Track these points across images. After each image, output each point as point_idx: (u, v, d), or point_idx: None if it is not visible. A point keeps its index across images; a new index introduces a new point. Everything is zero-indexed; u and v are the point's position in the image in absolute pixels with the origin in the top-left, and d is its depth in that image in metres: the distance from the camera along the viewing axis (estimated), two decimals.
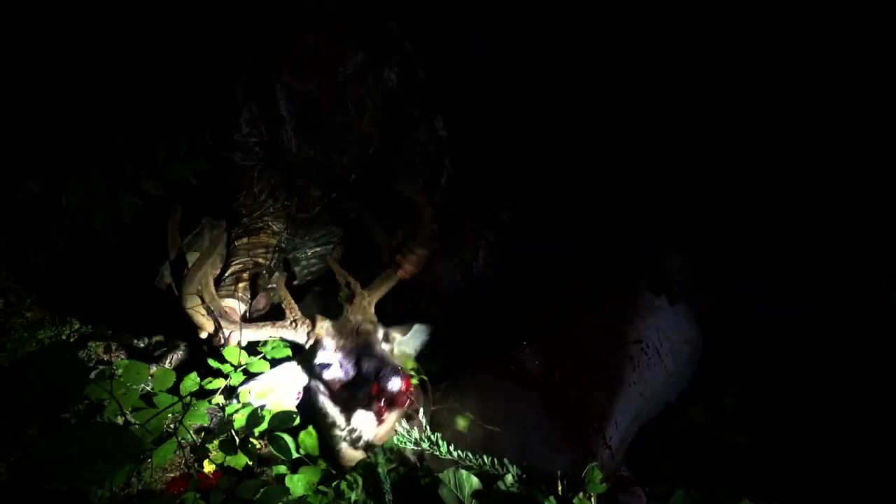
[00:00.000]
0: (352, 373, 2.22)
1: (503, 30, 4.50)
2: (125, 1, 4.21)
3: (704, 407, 2.59)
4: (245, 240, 3.00)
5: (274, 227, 3.07)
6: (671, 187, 3.99)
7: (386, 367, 2.14)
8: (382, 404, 2.08)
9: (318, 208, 3.32)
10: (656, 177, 4.10)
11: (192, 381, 2.28)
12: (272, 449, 2.13)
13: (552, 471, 2.00)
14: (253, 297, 2.92)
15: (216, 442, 2.20)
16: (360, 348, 2.25)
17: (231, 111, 2.98)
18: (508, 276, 3.44)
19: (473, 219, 3.36)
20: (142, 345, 3.05)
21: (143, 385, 2.22)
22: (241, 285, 2.83)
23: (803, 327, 3.01)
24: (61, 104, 3.97)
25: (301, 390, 2.40)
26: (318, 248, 3.34)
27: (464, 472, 1.90)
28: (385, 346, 2.33)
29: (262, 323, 2.40)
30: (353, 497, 2.06)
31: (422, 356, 2.56)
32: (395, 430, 2.24)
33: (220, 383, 2.31)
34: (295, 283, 3.34)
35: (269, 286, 3.04)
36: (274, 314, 2.51)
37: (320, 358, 2.27)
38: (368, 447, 2.29)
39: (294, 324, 2.37)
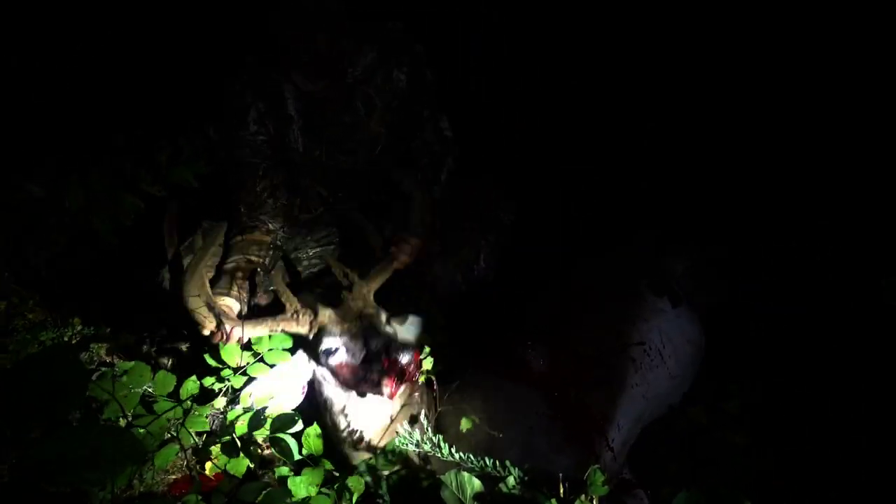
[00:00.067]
0: (359, 354, 2.22)
1: (503, 30, 4.50)
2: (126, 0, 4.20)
3: (706, 407, 2.59)
4: (239, 238, 3.00)
5: (270, 225, 3.06)
6: (671, 187, 4.00)
7: (395, 342, 2.18)
8: (393, 379, 2.10)
9: (321, 209, 3.32)
10: (656, 177, 4.10)
11: (192, 384, 2.27)
12: (274, 451, 2.13)
13: (557, 471, 2.00)
14: (251, 295, 2.92)
15: (218, 444, 2.20)
16: (365, 330, 2.26)
17: (239, 109, 2.98)
18: (509, 276, 3.44)
19: (474, 220, 3.36)
20: (143, 346, 3.04)
21: (145, 387, 2.21)
22: (236, 283, 2.83)
23: (803, 327, 3.01)
24: (61, 104, 3.96)
25: (305, 385, 2.40)
26: (319, 249, 3.34)
27: (465, 474, 1.89)
28: (389, 329, 2.34)
29: (262, 318, 2.39)
30: (355, 499, 2.06)
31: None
32: (403, 412, 2.27)
33: (220, 386, 2.31)
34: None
35: (266, 284, 3.04)
36: (272, 311, 2.50)
37: (326, 344, 2.27)
38: (371, 448, 2.30)
39: (295, 315, 2.37)
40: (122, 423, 2.14)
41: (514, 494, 1.92)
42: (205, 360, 2.41)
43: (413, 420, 2.34)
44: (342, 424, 2.36)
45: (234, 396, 2.33)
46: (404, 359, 2.12)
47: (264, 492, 2.02)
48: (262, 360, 2.40)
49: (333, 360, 2.26)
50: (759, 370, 2.85)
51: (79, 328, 2.70)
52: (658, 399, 2.66)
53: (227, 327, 2.36)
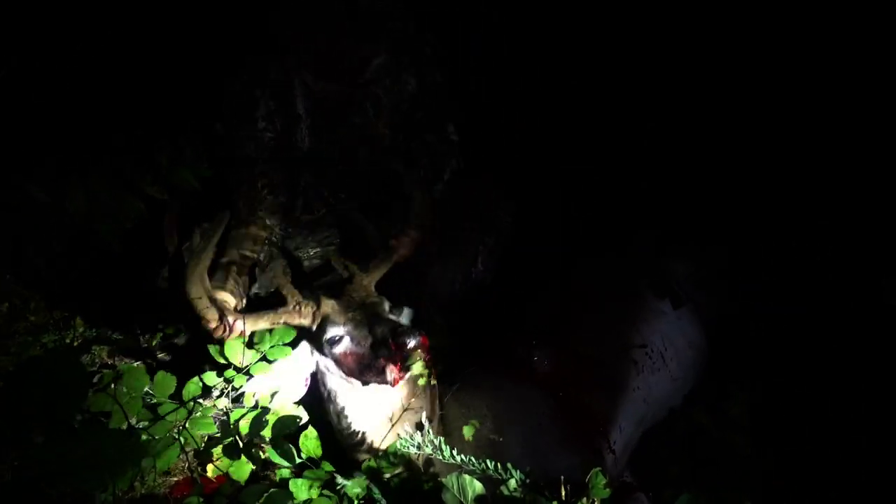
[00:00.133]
0: (364, 342, 2.20)
1: (503, 30, 4.49)
2: None
3: (706, 409, 2.59)
4: (236, 231, 2.99)
5: (267, 221, 3.05)
6: (671, 187, 4.00)
7: (400, 326, 2.15)
8: (399, 365, 2.08)
9: (323, 210, 3.31)
10: (656, 177, 4.11)
11: (194, 386, 2.27)
12: (276, 454, 2.13)
13: (561, 469, 2.00)
14: (246, 289, 2.91)
15: (220, 447, 2.19)
16: (369, 318, 2.25)
17: (248, 105, 2.99)
18: (508, 277, 3.44)
19: (473, 221, 3.35)
20: (144, 345, 3.04)
21: (145, 390, 2.20)
22: (232, 277, 2.81)
23: (803, 327, 3.02)
24: (61, 104, 3.96)
25: (308, 377, 2.40)
26: (320, 249, 3.32)
27: (467, 476, 1.89)
28: (392, 316, 2.34)
29: (264, 311, 2.38)
30: (356, 502, 2.06)
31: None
32: (405, 413, 2.27)
33: (223, 386, 2.30)
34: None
35: (264, 281, 3.04)
36: (274, 305, 2.49)
37: (330, 333, 2.26)
38: (373, 448, 2.30)
39: (297, 307, 2.36)
40: (124, 426, 2.13)
41: (516, 497, 1.92)
42: (207, 359, 2.40)
43: (415, 421, 2.34)
44: (344, 417, 2.35)
45: (237, 394, 2.32)
46: (411, 342, 2.07)
47: (266, 494, 2.02)
48: (264, 357, 2.39)
49: (338, 349, 2.26)
50: (759, 370, 2.86)
51: (80, 330, 2.70)
52: (659, 402, 2.66)
53: (230, 320, 2.34)
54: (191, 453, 2.21)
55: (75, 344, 2.70)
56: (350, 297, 2.36)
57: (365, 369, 2.20)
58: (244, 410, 2.28)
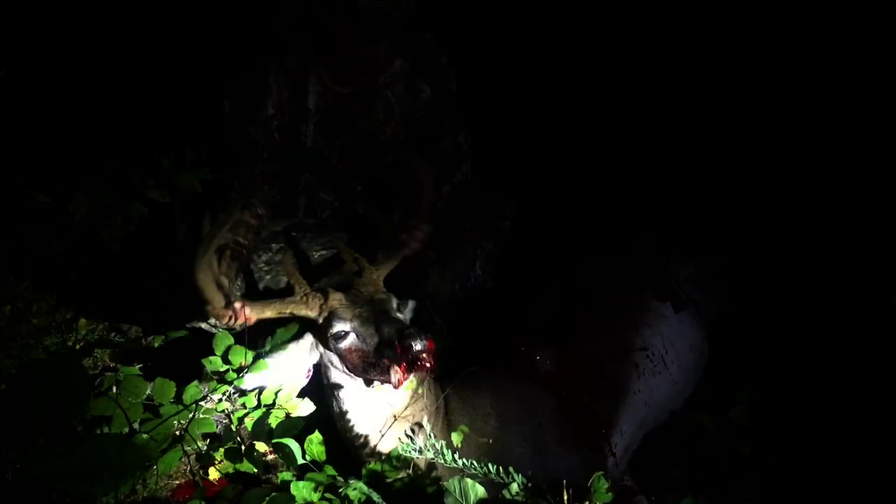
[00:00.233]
0: (370, 340, 2.19)
1: (503, 30, 4.49)
2: None
3: (708, 412, 2.59)
4: (229, 214, 2.97)
5: (259, 210, 3.04)
6: (671, 187, 4.00)
7: (408, 328, 2.11)
8: (404, 366, 2.05)
9: (327, 213, 3.30)
10: (656, 176, 4.11)
11: (195, 389, 2.27)
12: (278, 456, 2.13)
13: (565, 468, 2.01)
14: (237, 275, 2.90)
15: (221, 449, 2.20)
16: (377, 315, 2.23)
17: (261, 89, 2.97)
18: (508, 278, 3.44)
19: (472, 223, 3.34)
20: (146, 347, 3.04)
21: (145, 396, 2.21)
22: (224, 262, 2.80)
23: (804, 328, 3.02)
24: (61, 103, 3.96)
25: (310, 368, 2.40)
26: (325, 252, 3.31)
27: (469, 480, 1.89)
28: (400, 315, 2.33)
29: (271, 300, 2.38)
30: None
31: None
32: (407, 414, 2.27)
33: (224, 389, 2.31)
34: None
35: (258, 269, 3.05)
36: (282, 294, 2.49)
37: (336, 327, 2.25)
38: (375, 450, 2.31)
39: (305, 298, 2.35)
40: (126, 429, 2.14)
41: (518, 501, 1.92)
42: (208, 357, 2.40)
43: (417, 422, 2.34)
44: (346, 413, 2.36)
45: (238, 394, 2.32)
46: (418, 345, 2.04)
47: (268, 497, 2.02)
48: (261, 355, 2.38)
49: (343, 345, 2.24)
50: (759, 371, 2.86)
51: (83, 333, 2.70)
52: (660, 405, 2.67)
53: (236, 306, 2.33)
54: (192, 456, 2.21)
55: (77, 347, 2.70)
56: (358, 291, 2.35)
57: (369, 367, 2.19)
58: (246, 411, 2.28)
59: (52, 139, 3.56)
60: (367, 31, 2.82)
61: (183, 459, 2.18)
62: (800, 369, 2.90)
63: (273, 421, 2.22)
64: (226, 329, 2.41)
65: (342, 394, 2.35)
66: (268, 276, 3.10)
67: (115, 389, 2.13)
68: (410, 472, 2.18)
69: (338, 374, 2.36)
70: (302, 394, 2.41)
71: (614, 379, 2.58)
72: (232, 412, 2.29)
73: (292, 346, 2.39)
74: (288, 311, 2.35)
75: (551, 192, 4.20)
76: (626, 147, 4.34)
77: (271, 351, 2.37)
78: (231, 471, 2.21)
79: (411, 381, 2.22)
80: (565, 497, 1.91)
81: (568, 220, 3.98)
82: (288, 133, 3.04)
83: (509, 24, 4.52)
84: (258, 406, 2.37)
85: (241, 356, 2.35)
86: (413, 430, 2.30)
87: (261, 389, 2.37)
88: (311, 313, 2.34)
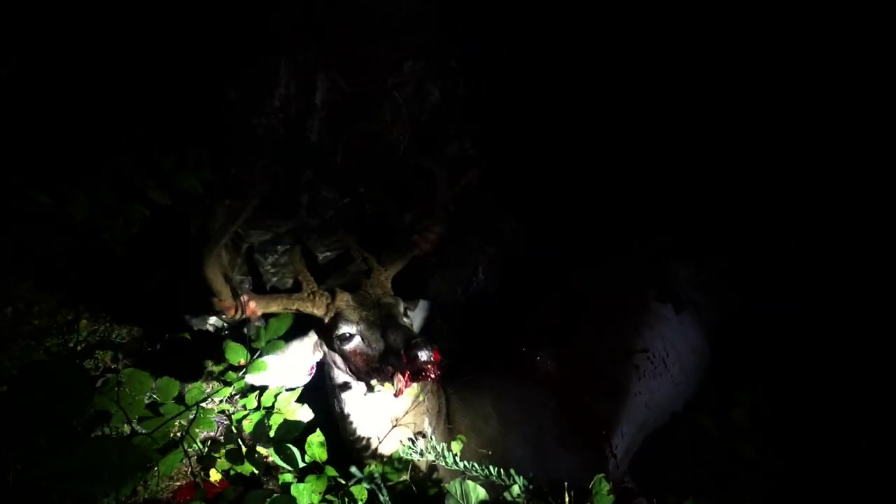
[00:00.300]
0: (375, 344, 2.18)
1: (503, 30, 4.49)
2: None
3: (709, 413, 2.59)
4: (227, 202, 2.95)
5: (253, 203, 3.02)
6: (671, 187, 4.00)
7: (415, 337, 2.09)
8: (408, 375, 2.03)
9: (331, 212, 3.29)
10: (656, 176, 4.11)
11: (197, 391, 2.27)
12: (279, 458, 2.13)
13: (565, 469, 2.00)
14: (234, 267, 2.89)
15: (223, 451, 2.20)
16: (383, 320, 2.22)
17: (270, 79, 2.94)
18: (510, 279, 3.43)
19: (474, 232, 3.33)
20: (147, 349, 3.05)
21: (148, 394, 2.21)
22: (227, 255, 2.78)
23: (804, 328, 3.02)
24: (62, 104, 3.96)
25: (314, 366, 2.39)
26: (329, 253, 3.29)
27: (470, 482, 1.89)
28: (406, 321, 2.31)
29: (277, 295, 2.35)
30: None
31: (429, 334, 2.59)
32: (409, 416, 2.26)
33: (225, 392, 2.31)
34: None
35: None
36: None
37: (342, 329, 2.23)
38: (376, 452, 2.30)
39: (312, 296, 2.33)
40: (127, 429, 2.14)
41: (519, 503, 1.92)
42: (209, 357, 2.39)
43: (419, 424, 2.33)
44: (349, 414, 2.35)
45: (239, 395, 2.32)
46: (424, 356, 2.01)
47: (268, 499, 2.02)
48: (260, 355, 2.38)
49: (347, 347, 2.23)
50: (760, 372, 2.86)
51: (84, 334, 2.70)
52: (661, 407, 2.67)
53: (243, 299, 2.31)
54: (194, 458, 2.22)
55: (79, 348, 2.70)
56: (366, 292, 2.33)
57: (373, 372, 2.18)
58: (246, 412, 2.28)
59: (52, 139, 3.56)
60: (366, 31, 2.81)
61: (184, 461, 2.19)
62: (800, 370, 2.91)
63: (273, 423, 2.22)
64: (231, 322, 2.41)
65: (345, 395, 2.35)
66: (274, 279, 3.09)
67: (116, 388, 2.12)
68: (412, 474, 2.18)
69: (341, 374, 2.34)
70: (304, 391, 2.41)
71: (615, 380, 2.57)
72: (232, 413, 2.30)
73: (296, 344, 2.38)
74: (294, 307, 2.33)
75: (551, 193, 4.19)
76: (626, 147, 4.34)
77: (272, 348, 2.37)
78: (233, 472, 2.21)
79: (413, 387, 2.21)
80: (566, 499, 1.90)
81: (568, 221, 3.98)
82: (293, 127, 3.02)
83: (509, 24, 4.51)
84: (258, 408, 2.37)
85: (243, 354, 2.35)
86: (414, 433, 2.29)
87: (263, 389, 2.37)
88: (318, 312, 2.32)
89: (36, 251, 3.08)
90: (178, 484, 2.40)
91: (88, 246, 2.94)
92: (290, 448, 2.13)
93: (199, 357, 2.99)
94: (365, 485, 2.05)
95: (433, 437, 2.22)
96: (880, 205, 3.39)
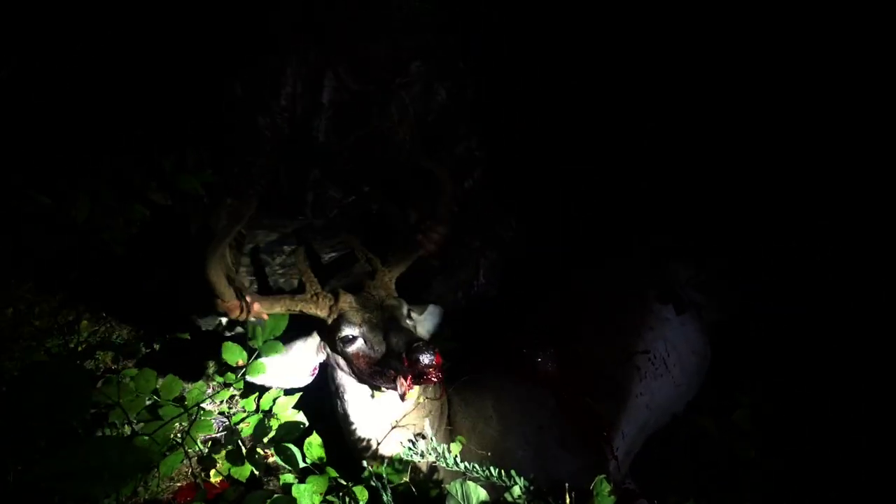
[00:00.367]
0: (378, 347, 2.17)
1: (503, 30, 4.49)
2: None
3: (710, 414, 2.59)
4: (229, 201, 2.93)
5: (254, 202, 3.00)
6: (671, 187, 4.00)
7: (417, 340, 2.08)
8: (410, 379, 2.03)
9: (336, 212, 3.29)
10: (656, 176, 4.11)
11: (198, 392, 2.27)
12: (279, 459, 2.13)
13: (565, 470, 1.99)
14: (239, 267, 2.88)
15: (223, 452, 2.20)
16: (386, 322, 2.21)
17: (277, 77, 2.92)
18: (510, 281, 3.43)
19: (474, 235, 3.31)
20: (147, 350, 3.04)
21: (151, 393, 2.21)
22: (230, 255, 2.77)
23: (804, 328, 3.02)
24: (62, 104, 3.96)
25: (317, 367, 2.38)
26: (335, 254, 3.28)
27: (471, 483, 1.88)
28: (410, 323, 2.31)
29: (281, 296, 2.34)
30: None
31: (436, 339, 2.56)
32: (410, 417, 2.26)
33: (226, 394, 2.31)
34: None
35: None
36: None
37: (345, 331, 2.22)
38: (378, 453, 2.30)
39: (315, 297, 2.32)
40: (127, 429, 2.14)
41: None
42: (210, 358, 2.39)
43: (420, 425, 2.33)
44: (351, 416, 2.35)
45: (247, 386, 2.32)
46: (425, 359, 2.01)
47: (269, 500, 2.02)
48: (259, 356, 2.38)
49: (350, 349, 2.22)
50: (761, 373, 2.86)
51: (85, 335, 2.70)
52: (662, 408, 2.66)
53: (247, 300, 2.29)
54: (194, 458, 2.22)
55: (79, 349, 2.70)
56: (369, 294, 2.33)
57: (375, 375, 2.17)
58: (245, 414, 2.28)
59: (52, 139, 3.55)
60: (366, 31, 2.80)
61: (184, 461, 2.18)
62: (800, 370, 2.91)
63: (273, 423, 2.22)
64: (229, 327, 2.40)
65: (347, 396, 2.34)
66: (282, 280, 3.08)
67: (118, 385, 2.12)
68: (413, 475, 2.18)
69: (344, 376, 2.34)
70: (306, 392, 2.41)
71: (616, 381, 2.57)
72: (232, 415, 2.30)
73: (299, 344, 2.38)
74: (297, 308, 2.32)
75: (551, 193, 4.19)
76: (626, 147, 4.34)
77: (269, 349, 2.37)
78: (233, 473, 2.20)
79: (415, 389, 2.21)
80: (567, 500, 1.90)
81: (568, 221, 3.98)
82: (299, 127, 3.01)
83: (509, 24, 4.51)
84: (256, 411, 2.37)
85: (241, 354, 2.35)
86: (415, 434, 2.29)
87: (263, 390, 2.37)
88: (321, 313, 2.31)
89: (36, 251, 3.08)
90: (179, 485, 2.40)
91: (88, 246, 2.94)
92: (290, 448, 2.13)
93: (199, 358, 3.00)
94: (371, 484, 2.06)
95: (434, 438, 2.22)
96: (880, 205, 3.39)
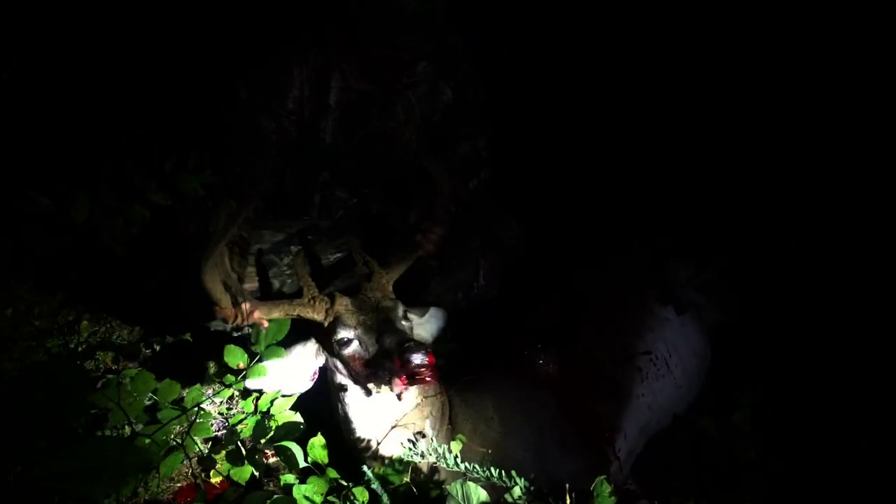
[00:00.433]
0: (372, 349, 2.17)
1: (503, 30, 4.49)
2: None
3: (711, 415, 2.59)
4: (233, 203, 2.92)
5: (259, 203, 2.99)
6: (671, 187, 4.00)
7: (408, 341, 2.08)
8: (404, 380, 2.03)
9: (341, 212, 3.28)
10: (656, 176, 4.11)
11: (196, 393, 2.27)
12: (279, 459, 2.13)
13: (566, 473, 1.99)
14: (243, 271, 2.88)
15: (223, 452, 2.20)
16: (380, 324, 2.21)
17: (284, 79, 2.92)
18: (510, 282, 3.43)
19: (474, 237, 3.31)
20: (147, 350, 3.04)
21: (149, 395, 2.21)
22: (231, 260, 2.76)
23: (804, 328, 3.02)
24: (61, 103, 3.95)
25: (316, 371, 2.38)
26: (339, 254, 3.27)
27: (471, 484, 1.89)
28: (405, 324, 2.30)
29: (278, 301, 2.35)
30: None
31: (438, 342, 2.56)
32: (410, 418, 2.25)
33: (226, 394, 2.31)
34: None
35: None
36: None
37: (340, 334, 2.22)
38: (378, 454, 2.30)
39: (312, 301, 2.32)
40: (127, 430, 2.14)
41: None
42: (211, 359, 2.39)
43: (421, 426, 2.33)
44: (351, 417, 2.34)
45: (246, 390, 2.31)
46: (416, 359, 2.00)
47: (269, 500, 2.02)
48: (260, 360, 2.38)
49: (346, 351, 2.22)
50: (761, 373, 2.86)
51: (85, 335, 2.70)
52: (664, 409, 2.66)
53: (245, 307, 2.29)
54: (194, 459, 2.22)
55: (80, 349, 2.69)
56: (366, 296, 2.33)
57: (371, 376, 2.17)
58: (244, 415, 2.28)
59: (52, 139, 3.55)
60: (366, 31, 2.80)
61: (184, 462, 2.18)
62: (800, 370, 2.91)
63: (273, 424, 2.22)
64: (234, 328, 2.40)
65: (347, 398, 2.34)
66: (290, 280, 3.08)
67: (118, 386, 2.12)
68: (413, 475, 2.18)
69: (343, 378, 2.34)
70: (306, 395, 2.41)
71: (617, 382, 2.57)
72: (231, 416, 2.30)
73: (298, 349, 2.38)
74: (295, 312, 2.32)
75: (551, 193, 4.19)
76: (626, 148, 4.34)
77: (271, 353, 2.37)
78: (231, 472, 2.20)
79: (415, 390, 2.21)
80: (568, 501, 1.90)
81: (568, 221, 3.98)
82: (306, 128, 3.01)
83: (509, 24, 4.51)
84: (255, 412, 2.37)
85: (242, 357, 2.35)
86: (416, 435, 2.29)
87: (260, 393, 2.37)
88: (318, 317, 2.31)
89: (36, 251, 3.08)
90: (179, 485, 2.40)
91: (88, 246, 2.94)
92: (291, 449, 2.13)
93: (200, 359, 2.99)
94: (372, 485, 2.06)
95: (434, 438, 2.22)
96: (880, 205, 3.39)
